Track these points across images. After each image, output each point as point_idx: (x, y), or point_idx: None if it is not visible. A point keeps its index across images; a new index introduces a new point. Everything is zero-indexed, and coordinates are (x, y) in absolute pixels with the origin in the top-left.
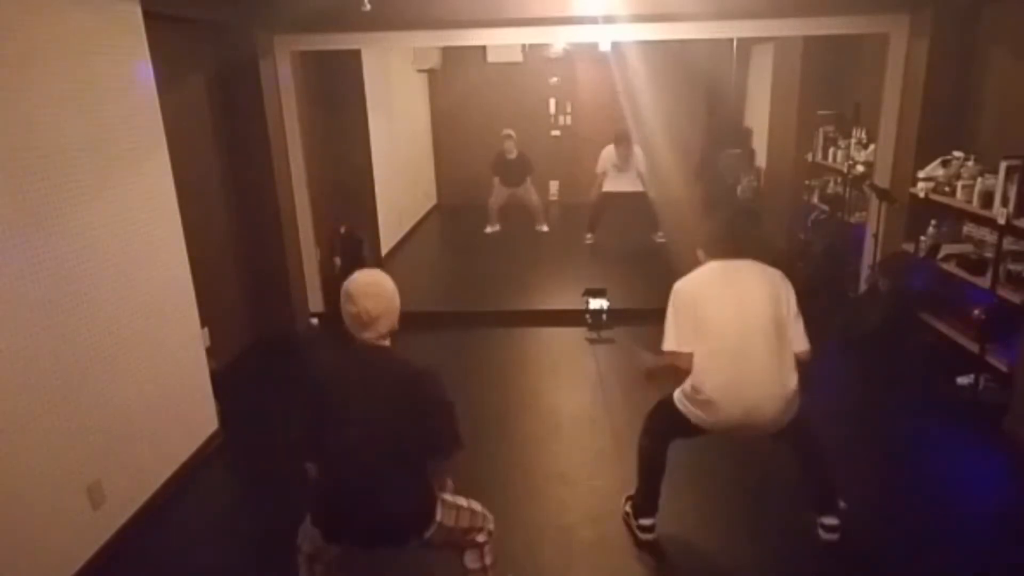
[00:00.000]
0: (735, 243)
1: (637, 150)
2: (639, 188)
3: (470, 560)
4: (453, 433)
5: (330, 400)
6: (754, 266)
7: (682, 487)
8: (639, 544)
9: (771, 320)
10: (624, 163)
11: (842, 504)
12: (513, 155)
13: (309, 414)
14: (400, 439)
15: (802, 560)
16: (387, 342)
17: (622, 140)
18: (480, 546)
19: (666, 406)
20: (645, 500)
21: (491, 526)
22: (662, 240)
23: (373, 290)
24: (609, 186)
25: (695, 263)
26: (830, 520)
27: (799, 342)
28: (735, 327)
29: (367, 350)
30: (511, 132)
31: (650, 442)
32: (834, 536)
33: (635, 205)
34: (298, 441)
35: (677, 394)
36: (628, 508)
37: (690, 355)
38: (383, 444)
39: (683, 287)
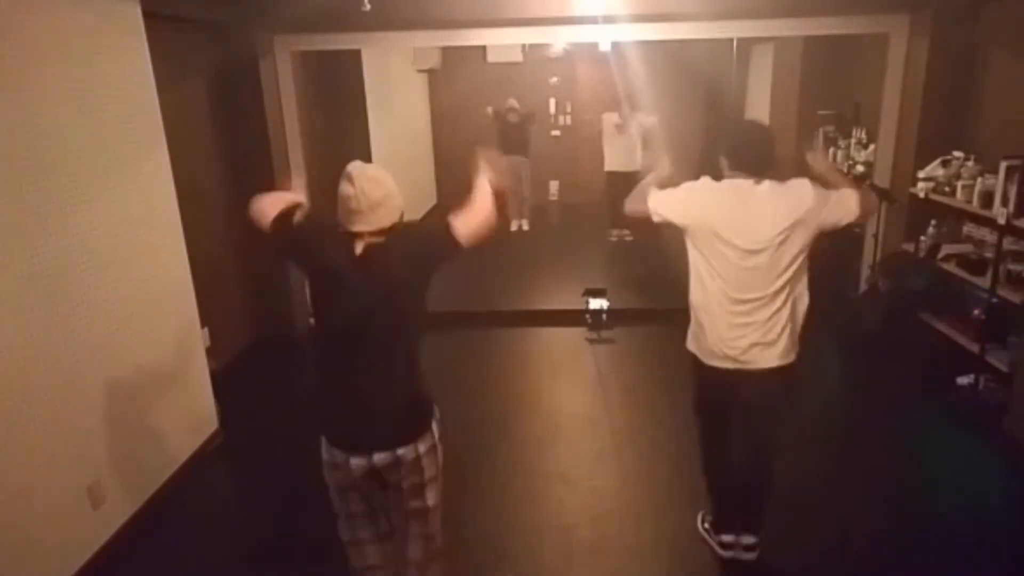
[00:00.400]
0: (756, 149)
1: (642, 118)
2: (635, 167)
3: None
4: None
5: (324, 285)
6: (775, 190)
7: (682, 487)
8: (638, 544)
9: (784, 248)
10: (623, 126)
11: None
12: (515, 120)
13: (298, 238)
14: (396, 335)
15: (802, 560)
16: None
17: (620, 110)
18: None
19: (692, 381)
20: (718, 515)
21: None
22: (626, 239)
23: (375, 173)
24: (610, 162)
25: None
26: (749, 539)
27: (847, 208)
28: (743, 254)
29: (358, 258)
30: (515, 105)
31: (701, 450)
32: (752, 555)
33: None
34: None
35: (689, 338)
36: (707, 525)
37: (650, 220)
38: (379, 341)
39: (701, 188)
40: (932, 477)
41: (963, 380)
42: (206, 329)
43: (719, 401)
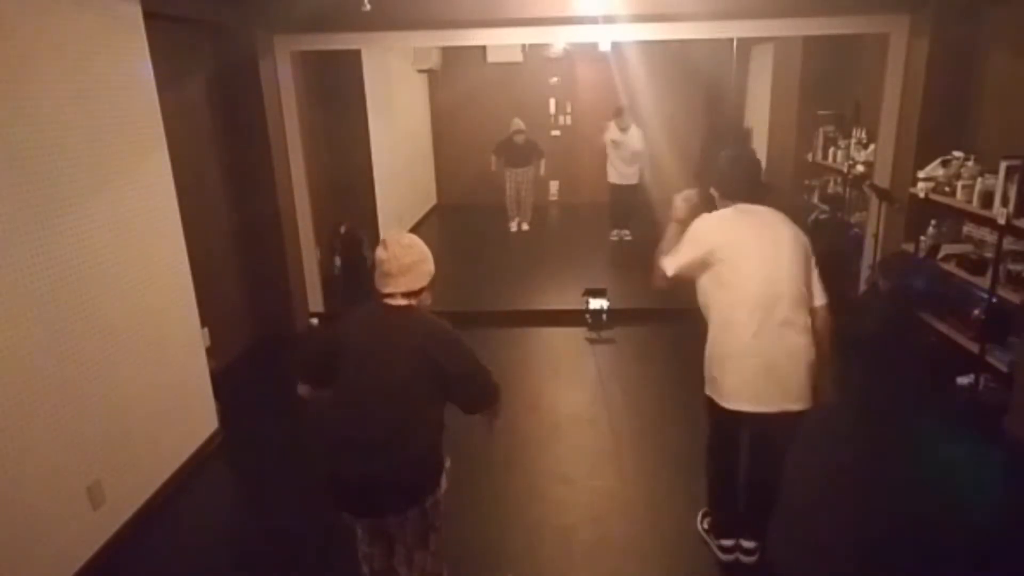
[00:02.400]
0: (743, 177)
1: (635, 131)
2: (634, 181)
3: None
4: (490, 391)
5: (346, 350)
6: (779, 215)
7: (682, 487)
8: (638, 544)
9: (799, 271)
10: (621, 140)
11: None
12: (521, 142)
13: (321, 348)
14: (414, 396)
15: (802, 561)
16: (412, 303)
17: (620, 113)
18: None
19: (706, 405)
20: (718, 521)
21: None
22: (626, 239)
23: (408, 242)
24: (611, 176)
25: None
26: (749, 544)
27: (820, 295)
28: (762, 275)
29: (389, 307)
30: (522, 127)
31: (708, 458)
32: (753, 559)
33: (630, 200)
34: (301, 362)
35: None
36: (706, 525)
37: (671, 281)
38: (396, 400)
39: (706, 224)
40: (932, 477)
41: (963, 380)
42: (206, 329)
43: (732, 427)
